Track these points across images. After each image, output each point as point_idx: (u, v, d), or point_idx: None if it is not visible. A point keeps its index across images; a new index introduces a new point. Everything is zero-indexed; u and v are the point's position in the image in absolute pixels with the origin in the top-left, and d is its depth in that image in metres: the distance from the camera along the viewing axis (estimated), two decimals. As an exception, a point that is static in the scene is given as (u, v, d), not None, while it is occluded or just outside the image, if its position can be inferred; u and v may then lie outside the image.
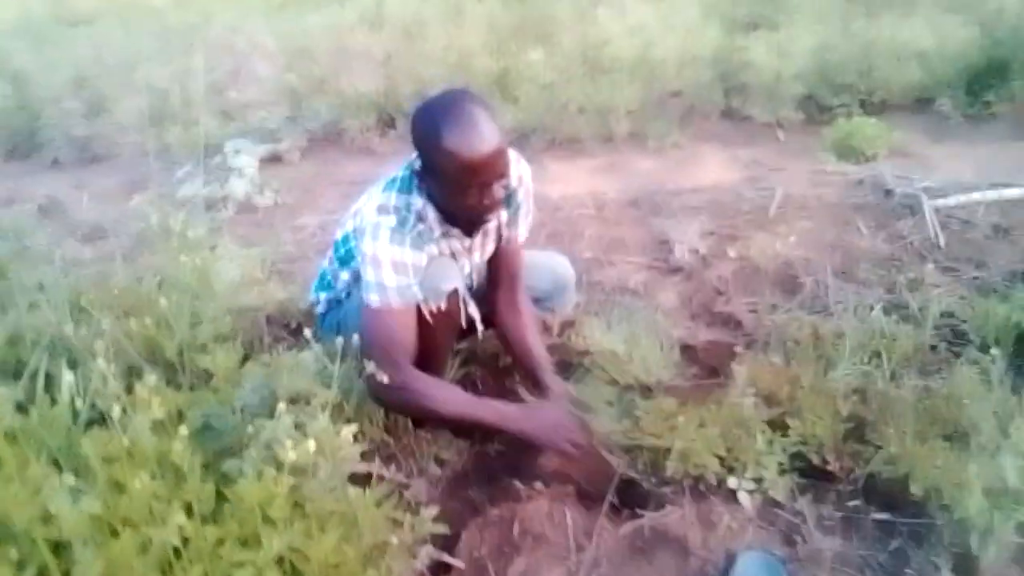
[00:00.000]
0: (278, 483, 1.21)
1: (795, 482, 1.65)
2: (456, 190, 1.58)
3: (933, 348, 2.04)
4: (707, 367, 2.06)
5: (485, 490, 1.68)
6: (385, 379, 1.50)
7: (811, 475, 1.67)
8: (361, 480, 1.46)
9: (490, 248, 1.87)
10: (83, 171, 4.23)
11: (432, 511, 1.46)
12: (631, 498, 1.66)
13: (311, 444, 1.22)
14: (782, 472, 1.64)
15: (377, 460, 1.64)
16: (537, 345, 1.90)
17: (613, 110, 4.06)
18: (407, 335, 1.66)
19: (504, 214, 1.80)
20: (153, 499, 1.12)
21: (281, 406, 1.29)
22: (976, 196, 3.00)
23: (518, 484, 1.66)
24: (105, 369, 1.21)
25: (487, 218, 1.67)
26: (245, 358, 1.71)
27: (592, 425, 1.75)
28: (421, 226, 1.66)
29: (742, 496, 1.63)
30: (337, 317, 1.89)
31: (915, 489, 1.55)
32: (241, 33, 5.17)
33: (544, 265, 2.10)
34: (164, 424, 1.22)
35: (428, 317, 1.68)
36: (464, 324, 1.77)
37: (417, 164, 1.64)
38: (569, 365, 2.04)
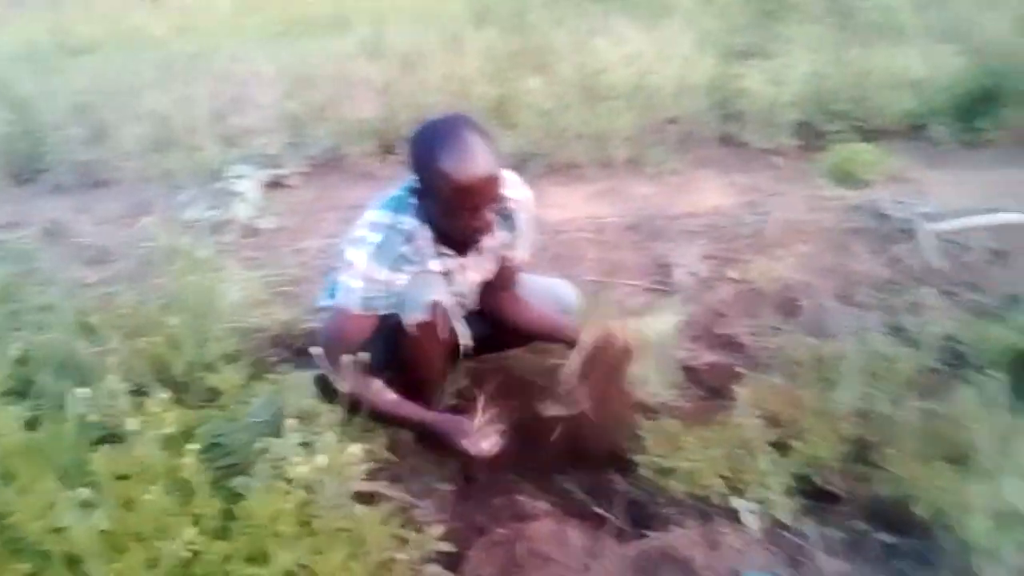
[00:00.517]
0: (286, 499, 1.22)
1: (800, 503, 1.65)
2: (448, 211, 1.63)
3: (933, 371, 2.05)
4: (709, 388, 2.08)
5: (491, 510, 1.68)
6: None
7: (815, 496, 1.68)
8: (367, 499, 1.46)
9: (489, 268, 1.90)
10: (86, 196, 4.24)
11: (438, 530, 1.46)
12: (637, 518, 1.66)
13: (319, 460, 1.23)
14: (787, 493, 1.65)
15: (383, 479, 1.64)
16: (543, 309, 2.02)
17: (611, 136, 4.10)
18: (354, 339, 1.69)
19: (506, 236, 1.84)
20: (163, 514, 1.13)
21: (289, 422, 1.30)
22: (972, 221, 3.03)
23: (523, 501, 1.66)
24: (116, 386, 1.22)
25: (477, 239, 1.72)
26: (251, 377, 1.72)
27: None
28: (405, 248, 1.70)
29: (747, 517, 1.63)
30: None
31: (919, 511, 1.56)
32: (242, 61, 5.23)
33: (548, 292, 2.13)
34: (173, 440, 1.23)
35: (413, 330, 1.71)
36: (446, 336, 1.78)
37: (414, 184, 1.68)
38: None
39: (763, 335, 2.37)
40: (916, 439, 1.71)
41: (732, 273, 2.79)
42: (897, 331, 2.28)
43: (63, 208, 3.97)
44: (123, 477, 1.20)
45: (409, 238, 1.70)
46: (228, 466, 1.41)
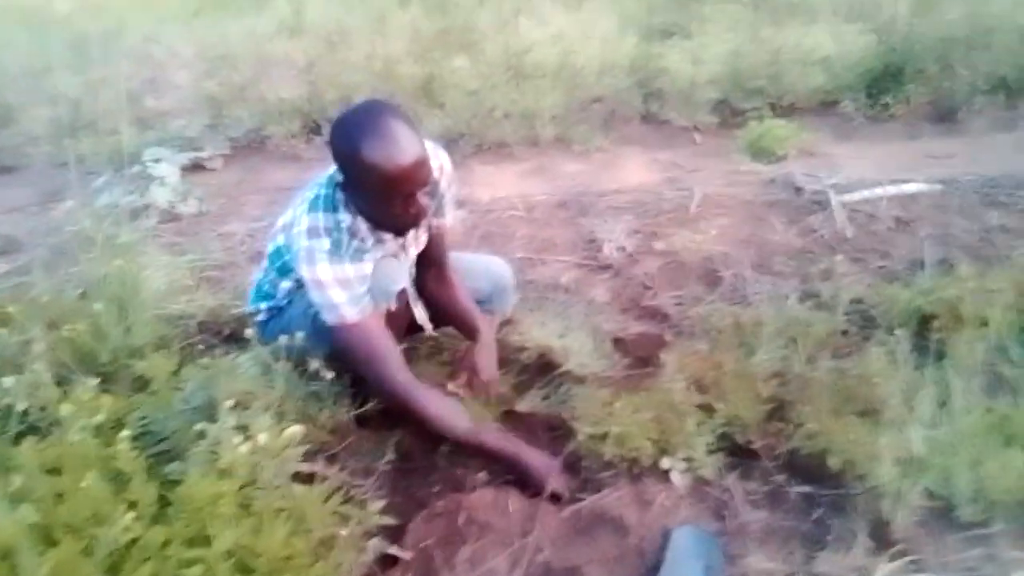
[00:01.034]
0: (224, 482, 1.22)
1: (723, 461, 1.75)
2: (381, 202, 1.60)
3: (844, 332, 2.18)
4: (638, 358, 2.14)
5: (431, 484, 1.71)
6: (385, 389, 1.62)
7: (738, 453, 1.77)
8: (307, 479, 1.47)
9: (423, 239, 1.90)
10: (-9, 183, 4.03)
11: (378, 505, 1.48)
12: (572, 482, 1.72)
13: (257, 439, 1.23)
14: (711, 452, 1.74)
15: (321, 459, 1.65)
16: (466, 300, 2.00)
17: (538, 115, 4.14)
18: (383, 341, 1.67)
19: (431, 203, 1.83)
20: (97, 502, 1.11)
21: (226, 405, 1.29)
22: (879, 191, 3.21)
23: (462, 474, 1.70)
24: (40, 376, 1.19)
25: (416, 225, 1.70)
26: (181, 364, 1.69)
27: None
28: (356, 242, 1.67)
29: (674, 476, 1.71)
30: (280, 324, 1.87)
31: (832, 462, 1.67)
32: (155, 41, 5.03)
33: (483, 268, 2.14)
34: (104, 429, 1.21)
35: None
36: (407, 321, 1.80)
37: (339, 178, 1.65)
38: (507, 361, 2.09)
39: (687, 305, 2.46)
40: (829, 396, 1.82)
41: (657, 246, 2.88)
42: (811, 297, 2.41)
43: (-35, 197, 3.76)
44: (53, 468, 1.17)
45: (353, 233, 1.67)
46: (162, 452, 1.40)
